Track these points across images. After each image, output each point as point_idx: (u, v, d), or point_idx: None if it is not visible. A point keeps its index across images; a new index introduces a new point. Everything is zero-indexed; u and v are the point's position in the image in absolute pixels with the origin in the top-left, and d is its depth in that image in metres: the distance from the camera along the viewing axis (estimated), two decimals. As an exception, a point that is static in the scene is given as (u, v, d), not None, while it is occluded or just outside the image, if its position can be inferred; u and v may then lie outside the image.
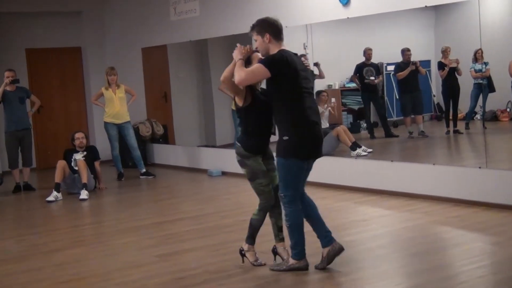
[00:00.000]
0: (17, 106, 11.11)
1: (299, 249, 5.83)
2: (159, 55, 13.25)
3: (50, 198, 10.11)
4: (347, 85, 11.83)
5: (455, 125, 10.58)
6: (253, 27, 5.80)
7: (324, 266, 5.87)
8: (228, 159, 11.71)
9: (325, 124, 11.04)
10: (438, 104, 11.32)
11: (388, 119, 11.47)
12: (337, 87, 11.76)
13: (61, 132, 13.99)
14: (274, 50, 5.70)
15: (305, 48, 10.99)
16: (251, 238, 6.11)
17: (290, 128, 5.63)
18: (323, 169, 9.94)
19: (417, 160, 9.59)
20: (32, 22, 14.02)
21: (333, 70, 11.42)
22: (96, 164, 10.89)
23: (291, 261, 5.86)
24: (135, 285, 5.85)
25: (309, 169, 5.89)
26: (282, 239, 6.10)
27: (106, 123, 11.82)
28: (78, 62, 14.66)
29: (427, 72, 11.09)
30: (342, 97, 11.86)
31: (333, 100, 11.10)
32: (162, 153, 13.48)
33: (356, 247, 6.68)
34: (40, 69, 14.19)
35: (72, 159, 10.61)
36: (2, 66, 12.05)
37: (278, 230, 6.10)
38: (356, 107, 11.92)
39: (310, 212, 5.95)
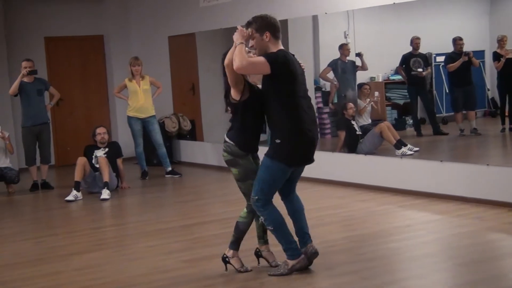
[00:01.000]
0: (35, 99, 11.21)
1: (293, 248, 5.97)
2: (187, 44, 13.28)
3: (70, 197, 10.18)
4: (391, 78, 11.77)
5: (511, 122, 10.46)
6: (250, 24, 5.87)
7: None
8: (261, 157, 11.69)
9: (367, 120, 11.01)
10: (492, 98, 11.20)
11: (437, 115, 11.38)
12: (380, 80, 11.70)
13: (81, 127, 14.09)
14: (272, 49, 5.81)
15: (346, 37, 10.96)
16: (236, 244, 6.19)
17: (284, 133, 5.79)
18: (365, 169, 9.92)
19: (469, 161, 9.47)
20: (51, 8, 14.12)
21: (377, 61, 11.36)
22: (119, 161, 10.95)
23: (290, 262, 5.96)
24: (161, 292, 5.87)
25: (300, 171, 6.18)
26: (266, 241, 6.23)
27: (129, 118, 11.87)
28: (100, 51, 14.75)
29: (481, 64, 10.97)
30: (386, 91, 11.80)
31: (376, 93, 11.04)
32: (189, 150, 13.51)
33: (401, 255, 6.64)
34: (59, 59, 14.29)
35: (93, 156, 10.67)
36: (20, 56, 12.17)
37: (263, 232, 6.21)
38: (401, 102, 11.85)
39: (296, 214, 6.16)
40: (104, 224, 8.99)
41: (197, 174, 12.35)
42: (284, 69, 5.71)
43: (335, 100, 11.63)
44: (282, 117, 5.78)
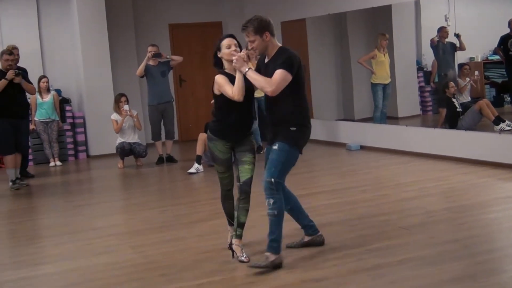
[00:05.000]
0: (159, 79, 11.42)
1: (279, 243, 5.59)
2: (298, 29, 13.22)
3: (192, 170, 10.35)
4: (490, 58, 11.42)
5: None
6: (247, 27, 5.75)
7: (297, 246, 5.99)
8: (367, 133, 11.60)
9: (467, 98, 10.76)
10: None
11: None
12: (479, 60, 11.38)
13: (202, 105, 14.27)
14: (273, 47, 5.70)
15: (446, 20, 10.66)
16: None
17: (298, 119, 5.64)
18: (465, 144, 9.68)
19: None
20: (176, -4, 14.36)
21: (475, 42, 11.05)
22: (236, 137, 10.99)
23: (271, 256, 5.54)
24: (274, 257, 5.87)
25: None
26: (240, 236, 5.88)
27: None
28: (219, 37, 14.79)
29: None
30: (485, 70, 11.49)
31: (476, 73, 10.75)
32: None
33: (501, 224, 6.46)
34: (182, 44, 14.49)
35: (213, 132, 10.76)
36: (147, 41, 12.39)
37: (238, 225, 5.89)
38: (499, 80, 11.50)
39: (293, 205, 6.00)
40: (222, 194, 9.08)
41: (308, 148, 11.93)
42: (298, 68, 5.62)
43: (436, 79, 11.39)
44: (294, 104, 5.61)
